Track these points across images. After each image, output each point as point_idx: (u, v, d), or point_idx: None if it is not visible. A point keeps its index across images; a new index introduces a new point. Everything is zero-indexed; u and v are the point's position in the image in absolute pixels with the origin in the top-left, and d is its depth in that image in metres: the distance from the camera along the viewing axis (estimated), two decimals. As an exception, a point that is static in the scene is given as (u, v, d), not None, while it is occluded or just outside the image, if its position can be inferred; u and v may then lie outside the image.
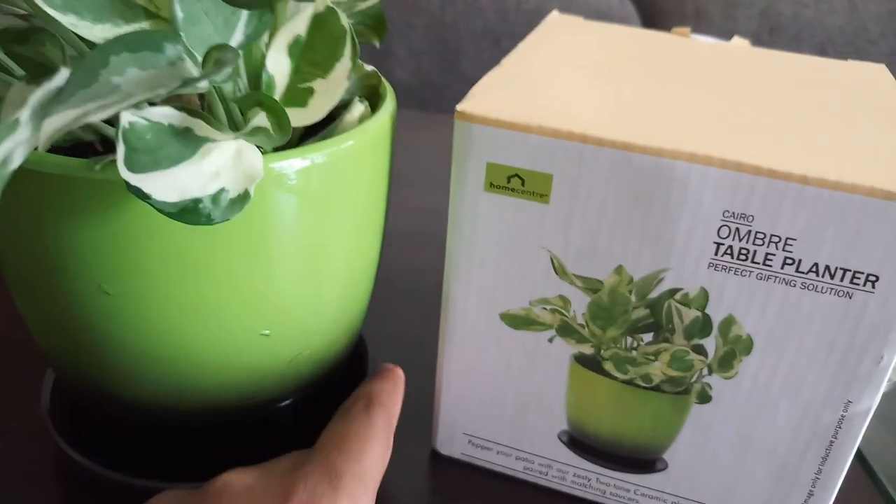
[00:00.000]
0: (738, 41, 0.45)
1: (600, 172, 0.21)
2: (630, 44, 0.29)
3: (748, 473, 0.24)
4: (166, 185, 0.16)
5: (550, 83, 0.24)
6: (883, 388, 0.21)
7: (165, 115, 0.17)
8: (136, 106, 0.17)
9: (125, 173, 0.16)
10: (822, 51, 0.85)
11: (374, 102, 0.26)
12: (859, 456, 0.30)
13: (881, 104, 0.25)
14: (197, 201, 0.16)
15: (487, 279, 0.24)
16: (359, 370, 0.30)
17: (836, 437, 0.23)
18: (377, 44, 0.28)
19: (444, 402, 0.27)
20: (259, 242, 0.20)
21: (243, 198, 0.17)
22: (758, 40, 0.85)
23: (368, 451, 0.21)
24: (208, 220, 0.16)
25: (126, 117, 0.16)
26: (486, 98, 0.23)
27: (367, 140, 0.23)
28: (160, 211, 0.16)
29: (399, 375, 0.25)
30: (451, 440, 0.27)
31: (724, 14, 0.82)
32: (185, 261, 0.20)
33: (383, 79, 0.27)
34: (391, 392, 0.24)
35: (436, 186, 0.49)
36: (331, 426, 0.22)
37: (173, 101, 0.19)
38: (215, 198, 0.16)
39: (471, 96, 0.23)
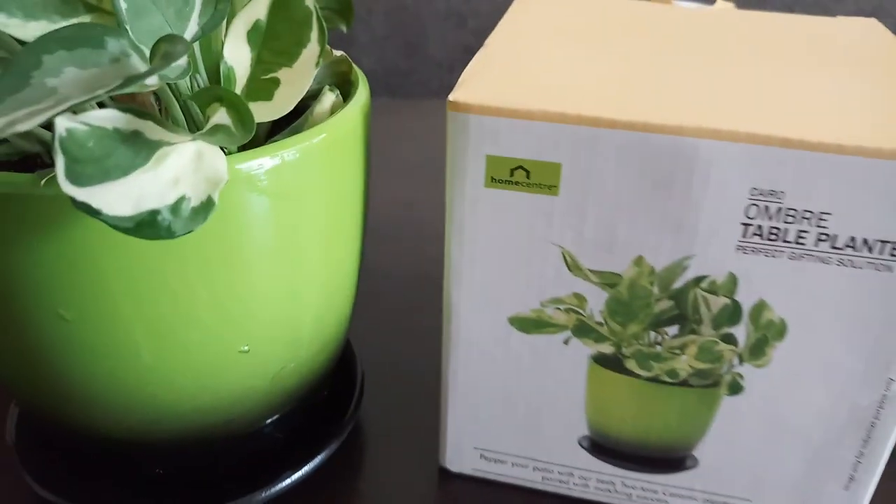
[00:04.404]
0: (721, 4, 0.44)
1: (614, 157, 0.19)
2: (613, 13, 0.27)
3: (782, 463, 0.23)
4: (118, 196, 0.13)
5: (543, 62, 0.22)
6: (925, 365, 0.20)
7: (108, 118, 0.15)
8: (77, 111, 0.15)
9: (68, 188, 0.13)
10: (790, 10, 0.84)
11: (346, 91, 0.24)
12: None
13: (887, 58, 0.24)
14: (155, 213, 0.14)
15: (493, 282, 0.22)
16: (347, 381, 0.28)
17: (877, 419, 0.21)
18: (344, 28, 0.25)
19: (450, 415, 0.24)
20: (229, 252, 0.18)
21: (207, 206, 0.14)
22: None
23: None
24: (169, 234, 0.14)
25: (62, 124, 0.14)
26: (480, 84, 0.20)
27: (341, 131, 0.20)
28: (114, 227, 0.14)
29: None
30: (461, 456, 0.25)
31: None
32: (146, 278, 0.17)
33: (354, 65, 0.25)
34: None
35: (413, 176, 0.46)
36: None
37: (127, 103, 0.16)
38: (175, 207, 0.14)
39: (462, 83, 0.20)
